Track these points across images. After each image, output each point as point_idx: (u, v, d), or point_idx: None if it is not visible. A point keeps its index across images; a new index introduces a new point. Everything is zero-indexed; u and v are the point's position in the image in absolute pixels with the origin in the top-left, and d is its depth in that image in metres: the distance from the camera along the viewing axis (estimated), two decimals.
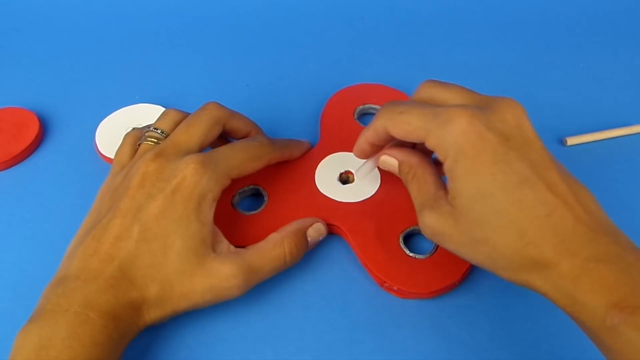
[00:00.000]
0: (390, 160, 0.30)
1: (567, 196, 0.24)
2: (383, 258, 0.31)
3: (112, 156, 0.34)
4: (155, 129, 0.31)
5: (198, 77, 0.46)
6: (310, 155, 0.36)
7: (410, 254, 0.31)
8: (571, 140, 0.39)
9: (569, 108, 0.43)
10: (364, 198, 0.34)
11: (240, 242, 0.30)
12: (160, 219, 0.27)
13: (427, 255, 0.31)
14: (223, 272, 0.27)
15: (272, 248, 0.29)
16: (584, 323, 0.23)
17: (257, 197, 0.35)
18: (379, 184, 0.34)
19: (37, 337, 0.24)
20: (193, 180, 0.28)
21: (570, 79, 0.46)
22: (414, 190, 0.29)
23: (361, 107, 0.40)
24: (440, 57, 0.48)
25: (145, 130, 0.32)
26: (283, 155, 0.34)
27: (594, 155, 0.39)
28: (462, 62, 0.47)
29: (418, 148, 0.31)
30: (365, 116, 0.41)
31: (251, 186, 0.35)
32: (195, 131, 0.30)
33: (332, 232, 0.33)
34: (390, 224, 0.32)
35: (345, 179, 0.35)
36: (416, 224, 0.31)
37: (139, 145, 0.32)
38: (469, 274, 0.31)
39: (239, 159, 0.31)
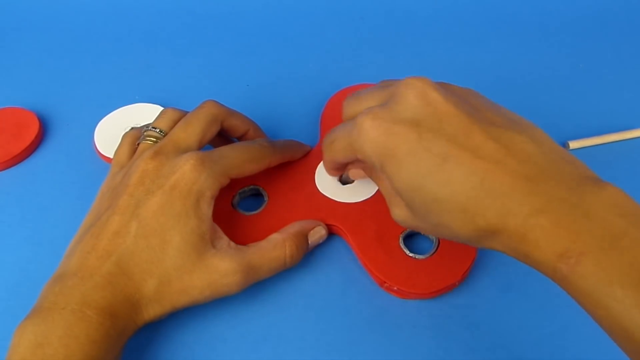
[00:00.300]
0: (357, 170, 0.32)
1: (496, 154, 0.23)
2: (383, 258, 0.31)
3: (111, 156, 0.34)
4: (153, 128, 0.31)
5: (197, 76, 0.46)
6: (310, 156, 0.36)
7: (410, 254, 0.31)
8: (573, 144, 0.39)
9: (572, 111, 0.42)
10: (364, 198, 0.34)
11: (240, 242, 0.30)
12: (158, 215, 0.27)
13: (427, 256, 0.31)
14: (222, 268, 0.27)
15: (273, 248, 0.29)
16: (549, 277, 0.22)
17: (257, 197, 0.35)
18: None
19: (33, 334, 0.24)
20: (192, 177, 0.28)
21: (573, 81, 0.45)
22: (381, 189, 0.29)
23: None
24: (440, 57, 0.48)
25: (143, 130, 0.32)
26: (284, 157, 0.34)
27: (596, 159, 0.38)
28: (462, 62, 0.47)
29: None
30: None
31: (251, 186, 0.35)
32: (194, 129, 0.30)
33: (332, 232, 0.33)
34: (390, 224, 0.32)
35: (345, 179, 0.35)
36: None
37: (138, 144, 0.32)
38: (469, 274, 0.31)
39: (239, 159, 0.31)
